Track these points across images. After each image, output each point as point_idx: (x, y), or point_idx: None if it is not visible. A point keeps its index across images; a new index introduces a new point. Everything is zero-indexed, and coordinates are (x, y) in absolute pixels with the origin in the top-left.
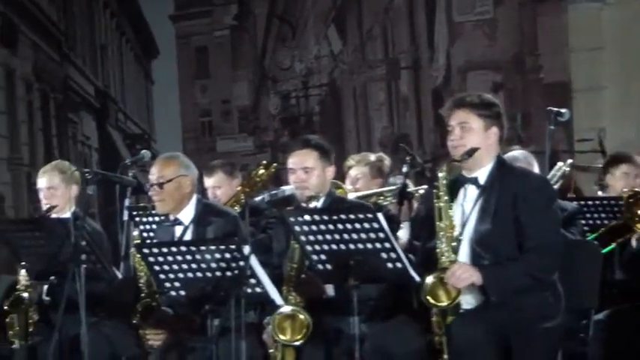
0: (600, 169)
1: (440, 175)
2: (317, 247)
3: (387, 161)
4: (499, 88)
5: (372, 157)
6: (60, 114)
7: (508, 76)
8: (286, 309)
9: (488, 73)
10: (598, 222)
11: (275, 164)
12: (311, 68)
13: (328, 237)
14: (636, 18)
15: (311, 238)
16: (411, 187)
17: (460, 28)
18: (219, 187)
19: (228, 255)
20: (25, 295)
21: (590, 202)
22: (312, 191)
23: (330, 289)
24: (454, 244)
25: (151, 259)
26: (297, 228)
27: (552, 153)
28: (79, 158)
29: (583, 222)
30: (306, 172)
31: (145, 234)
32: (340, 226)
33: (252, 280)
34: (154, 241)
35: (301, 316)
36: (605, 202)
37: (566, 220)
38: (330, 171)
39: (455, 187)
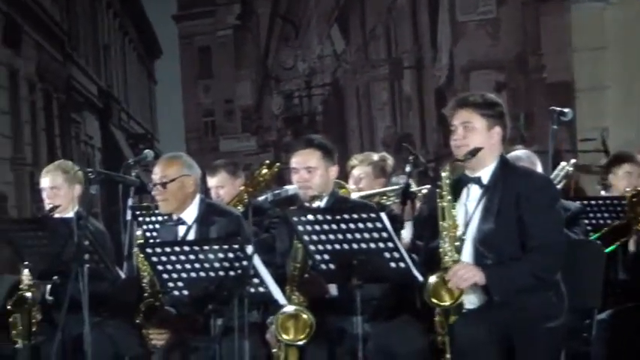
0: (602, 168)
1: (443, 174)
2: (320, 247)
3: (390, 161)
4: (502, 87)
5: (375, 156)
6: (63, 114)
7: (511, 75)
8: (289, 309)
9: (491, 73)
10: (601, 222)
11: (278, 164)
12: (314, 68)
13: (331, 237)
14: (639, 17)
15: (314, 237)
16: (414, 187)
17: (463, 28)
18: (223, 186)
19: (231, 255)
20: (28, 294)
21: (593, 202)
22: (315, 191)
23: (333, 289)
24: (457, 243)
25: (154, 258)
26: (300, 227)
27: (555, 153)
28: (82, 158)
29: (586, 222)
30: (309, 172)
31: (148, 234)
32: (343, 226)
33: (256, 280)
34: (157, 240)
35: (304, 316)
36: (608, 201)
37: (570, 220)
38: (333, 171)
39: (458, 186)
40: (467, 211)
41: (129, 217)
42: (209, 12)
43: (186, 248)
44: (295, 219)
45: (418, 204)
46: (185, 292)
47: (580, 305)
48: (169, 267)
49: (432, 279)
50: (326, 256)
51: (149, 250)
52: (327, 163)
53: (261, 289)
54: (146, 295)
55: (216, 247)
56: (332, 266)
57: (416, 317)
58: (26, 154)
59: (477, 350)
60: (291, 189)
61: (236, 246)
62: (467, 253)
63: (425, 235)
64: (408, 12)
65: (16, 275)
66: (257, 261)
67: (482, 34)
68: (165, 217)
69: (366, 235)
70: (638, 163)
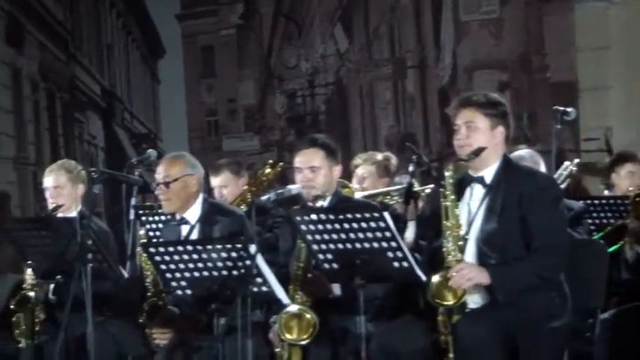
0: (605, 168)
1: (447, 174)
2: (323, 246)
3: (394, 160)
4: (505, 87)
5: (379, 156)
6: (66, 113)
7: (514, 75)
8: (293, 308)
9: (494, 73)
10: (604, 221)
11: (281, 163)
12: (317, 67)
13: (334, 236)
14: None
15: (317, 237)
16: (417, 187)
17: (466, 28)
18: (226, 186)
19: (234, 254)
20: (32, 294)
21: (596, 202)
22: (319, 190)
23: (336, 289)
24: (460, 243)
25: (158, 258)
26: (303, 227)
27: (558, 152)
28: (85, 157)
29: (589, 221)
30: (312, 172)
31: (151, 233)
32: (346, 226)
33: (259, 279)
34: (160, 240)
35: (308, 316)
36: (611, 201)
37: (573, 220)
38: (337, 170)
39: (461, 186)
40: (470, 211)
41: (132, 216)
42: (212, 11)
43: (190, 248)
44: (298, 218)
45: (421, 203)
46: (188, 292)
47: (583, 305)
48: (172, 266)
49: (435, 278)
50: (329, 256)
51: (152, 250)
52: (330, 162)
53: (264, 289)
54: (149, 294)
55: (219, 246)
56: (335, 266)
57: (419, 317)
58: (29, 154)
59: (480, 350)
60: (294, 188)
61: (239, 245)
62: (470, 253)
63: (428, 234)
64: (411, 11)
65: (19, 275)
66: (260, 260)
67: (485, 33)
68: (169, 217)
69: (369, 235)
70: None
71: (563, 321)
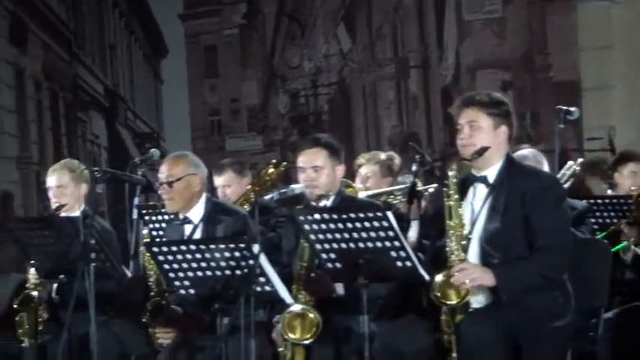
0: (608, 167)
1: (450, 173)
2: (326, 246)
3: (397, 160)
4: (508, 86)
5: (383, 155)
6: (69, 113)
7: (517, 74)
8: (296, 308)
9: (497, 72)
10: (608, 221)
11: (285, 163)
12: (320, 67)
13: (338, 236)
14: None
15: (320, 236)
16: (420, 186)
17: (469, 27)
18: (229, 185)
19: (237, 254)
20: (35, 293)
21: (599, 201)
22: (322, 190)
23: (339, 288)
24: (464, 242)
25: (161, 257)
26: (306, 227)
27: (561, 152)
28: (88, 157)
29: (593, 221)
30: (315, 171)
31: (154, 232)
32: (350, 225)
33: (262, 279)
34: (164, 239)
35: (311, 315)
36: (614, 200)
37: (576, 219)
38: (340, 170)
39: (464, 185)
40: (473, 210)
41: (135, 216)
42: (215, 11)
43: (193, 247)
44: (302, 218)
45: (424, 203)
46: (191, 291)
47: (586, 304)
48: (176, 266)
49: (439, 278)
50: (332, 255)
51: (155, 249)
52: (333, 162)
53: (267, 288)
54: (152, 294)
55: (222, 246)
56: (338, 265)
57: (422, 316)
58: (32, 153)
59: (483, 349)
60: (297, 188)
61: (242, 245)
62: (473, 252)
63: (431, 234)
64: (414, 11)
65: (22, 274)
66: (263, 260)
67: (488, 33)
68: (172, 216)
69: (373, 234)
70: None
71: (566, 320)
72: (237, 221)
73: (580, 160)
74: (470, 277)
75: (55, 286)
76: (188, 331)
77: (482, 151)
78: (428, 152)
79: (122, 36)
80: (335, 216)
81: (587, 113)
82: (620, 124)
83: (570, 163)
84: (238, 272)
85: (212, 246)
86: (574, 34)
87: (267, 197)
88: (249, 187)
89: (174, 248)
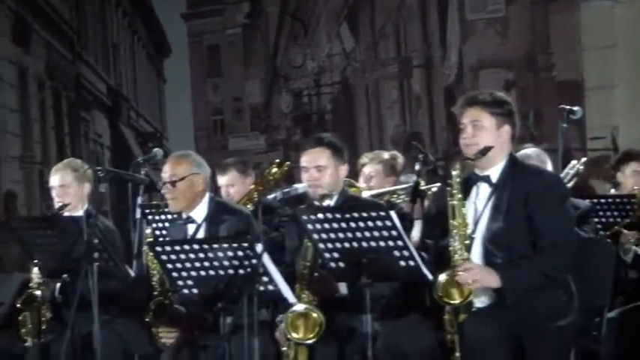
0: (611, 166)
1: (454, 173)
2: (330, 245)
3: (401, 159)
4: (511, 86)
5: (386, 155)
6: (72, 112)
7: (520, 74)
8: (299, 307)
9: (500, 72)
10: (611, 220)
11: (288, 162)
12: (323, 66)
13: (341, 235)
14: None
15: (324, 236)
16: (424, 185)
17: (472, 27)
18: (233, 185)
19: (240, 253)
20: (38, 292)
21: (602, 200)
22: (325, 189)
23: (342, 288)
24: (467, 242)
25: (164, 257)
26: (309, 226)
27: (565, 151)
28: (91, 156)
29: (596, 220)
30: (319, 171)
31: (157, 232)
32: (353, 225)
33: (265, 278)
34: (167, 239)
35: (314, 315)
36: (617, 200)
37: (580, 218)
38: (343, 169)
39: (467, 185)
40: (476, 210)
41: (138, 215)
42: (218, 10)
43: (196, 247)
44: (305, 217)
45: (427, 202)
46: (195, 291)
47: (590, 304)
48: (179, 265)
49: (442, 277)
50: (335, 255)
51: (158, 249)
52: (337, 161)
53: (270, 288)
54: (156, 293)
55: (225, 245)
56: (341, 265)
57: (425, 316)
58: (35, 153)
59: (486, 349)
60: (300, 187)
61: (245, 244)
62: (476, 252)
63: (434, 233)
64: (417, 11)
65: (25, 273)
66: (266, 259)
67: (491, 32)
68: (175, 216)
69: (376, 234)
70: None
71: (569, 320)
72: (240, 221)
73: (584, 159)
74: (475, 278)
75: (58, 285)
76: (191, 330)
77: (486, 150)
78: (431, 151)
79: (125, 35)
80: (338, 215)
81: (590, 112)
82: (623, 124)
83: (574, 162)
84: (241, 272)
85: (215, 245)
86: (577, 33)
87: (271, 197)
88: (252, 186)
89: (177, 248)
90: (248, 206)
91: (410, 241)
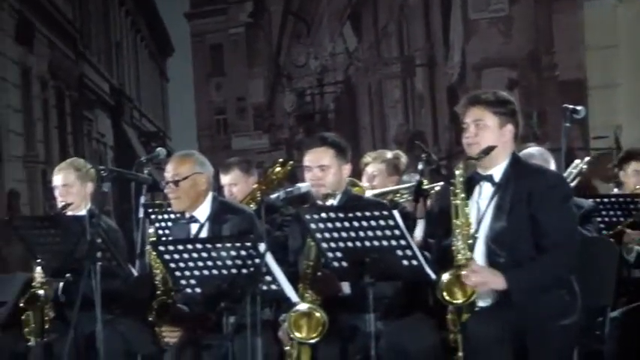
0: (613, 165)
1: (457, 172)
2: (333, 245)
3: (404, 159)
4: (514, 85)
5: (389, 154)
6: (75, 112)
7: (523, 73)
8: (302, 307)
9: (503, 71)
10: (614, 219)
11: (291, 162)
12: (326, 65)
13: (344, 234)
14: None
15: (327, 235)
16: (426, 185)
17: (475, 26)
18: (236, 184)
19: (243, 252)
20: (41, 292)
21: (605, 200)
22: (329, 189)
23: (345, 287)
24: (470, 241)
25: (167, 256)
26: (312, 225)
27: (568, 150)
28: (94, 156)
29: (599, 219)
30: (322, 170)
31: (160, 231)
32: (356, 224)
33: (268, 278)
34: (170, 238)
35: (317, 314)
36: (620, 199)
37: (583, 218)
38: (347, 169)
39: (470, 184)
40: (479, 209)
41: (141, 214)
42: (221, 10)
43: (199, 246)
44: (308, 217)
45: (430, 202)
46: (197, 290)
47: (593, 303)
48: (182, 265)
49: (445, 276)
50: (338, 254)
51: (161, 248)
52: (340, 161)
53: (273, 287)
54: (158, 292)
55: (228, 244)
56: (344, 264)
57: (428, 315)
58: (38, 152)
59: (489, 348)
60: (303, 187)
61: (248, 244)
62: (479, 251)
63: (437, 232)
64: (420, 10)
65: (28, 273)
66: (269, 259)
67: (494, 31)
68: (178, 215)
69: (379, 233)
70: None
71: (572, 319)
72: (243, 220)
73: (587, 158)
74: (481, 281)
75: (61, 284)
76: (194, 329)
77: (489, 150)
78: (434, 151)
79: (128, 35)
80: (341, 215)
81: (593, 112)
82: (626, 123)
83: (577, 161)
84: (244, 271)
85: (218, 245)
86: (580, 32)
87: (274, 196)
88: (255, 186)
89: (180, 247)
90: (251, 205)
91: (413, 240)
